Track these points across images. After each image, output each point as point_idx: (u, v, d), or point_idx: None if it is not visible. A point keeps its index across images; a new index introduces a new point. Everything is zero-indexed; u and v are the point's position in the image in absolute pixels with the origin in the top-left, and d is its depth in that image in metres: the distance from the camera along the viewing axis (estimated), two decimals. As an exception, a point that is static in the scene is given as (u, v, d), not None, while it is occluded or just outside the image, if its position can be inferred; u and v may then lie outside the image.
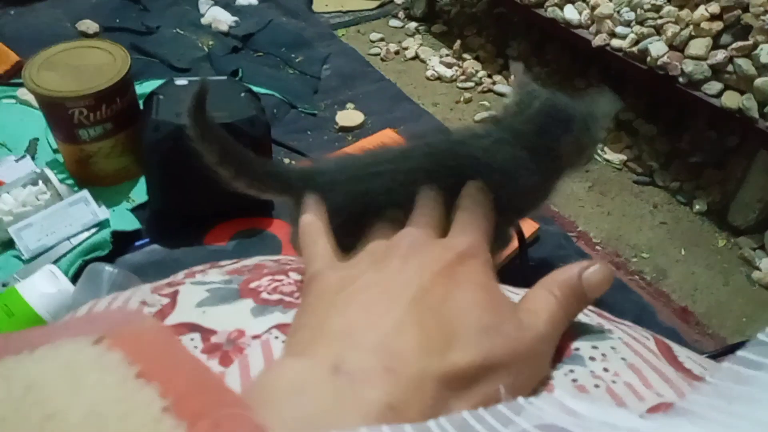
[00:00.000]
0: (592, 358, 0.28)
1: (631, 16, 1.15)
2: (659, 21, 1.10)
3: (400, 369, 0.23)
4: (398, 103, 1.29)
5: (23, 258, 0.84)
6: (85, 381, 0.19)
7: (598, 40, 1.18)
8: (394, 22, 1.67)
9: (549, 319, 0.28)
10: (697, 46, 1.04)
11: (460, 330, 0.25)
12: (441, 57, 1.52)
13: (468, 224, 0.32)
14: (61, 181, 0.92)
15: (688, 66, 1.04)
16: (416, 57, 1.53)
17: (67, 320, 0.38)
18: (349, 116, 1.22)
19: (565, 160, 0.62)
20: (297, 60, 1.39)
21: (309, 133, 1.19)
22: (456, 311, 0.26)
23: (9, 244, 0.86)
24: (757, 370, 0.22)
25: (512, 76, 0.64)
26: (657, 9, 1.11)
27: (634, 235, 1.10)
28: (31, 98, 1.09)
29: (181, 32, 1.42)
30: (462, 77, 1.45)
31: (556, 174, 0.63)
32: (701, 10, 1.05)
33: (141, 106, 0.91)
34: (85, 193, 0.89)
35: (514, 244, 0.85)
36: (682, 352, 0.30)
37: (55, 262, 0.82)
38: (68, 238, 0.86)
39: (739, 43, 1.00)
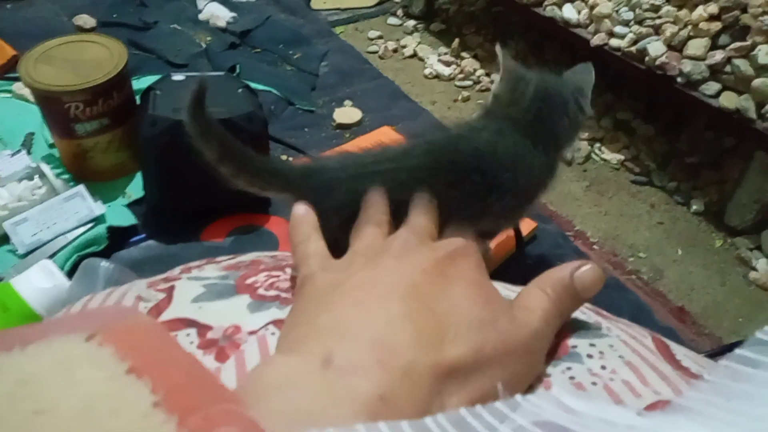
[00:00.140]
0: (589, 356, 0.28)
1: (630, 15, 1.15)
2: (658, 21, 1.10)
3: (392, 361, 0.23)
4: (396, 101, 1.29)
5: (18, 253, 0.84)
6: (77, 376, 0.19)
7: (596, 40, 1.18)
8: (392, 20, 1.66)
9: (542, 316, 0.28)
10: (696, 47, 1.04)
11: (452, 325, 0.26)
12: (439, 55, 1.52)
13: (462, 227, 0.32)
14: (57, 176, 0.92)
15: (687, 66, 1.04)
16: (414, 55, 1.53)
17: (59, 317, 0.38)
18: (347, 113, 1.22)
19: (563, 139, 0.63)
20: (295, 57, 1.39)
21: (306, 129, 1.19)
22: (448, 307, 0.26)
23: (4, 238, 0.85)
24: (756, 368, 0.21)
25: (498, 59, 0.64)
26: (656, 9, 1.11)
27: (631, 234, 1.10)
28: (27, 92, 1.08)
29: (179, 28, 1.41)
30: (460, 76, 1.45)
31: (557, 154, 0.64)
32: (700, 11, 1.05)
33: (138, 102, 0.91)
34: (81, 188, 0.89)
35: (512, 242, 0.85)
36: (679, 351, 0.30)
37: (51, 257, 0.82)
38: (64, 234, 0.86)
39: (738, 44, 1.01)
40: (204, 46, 1.37)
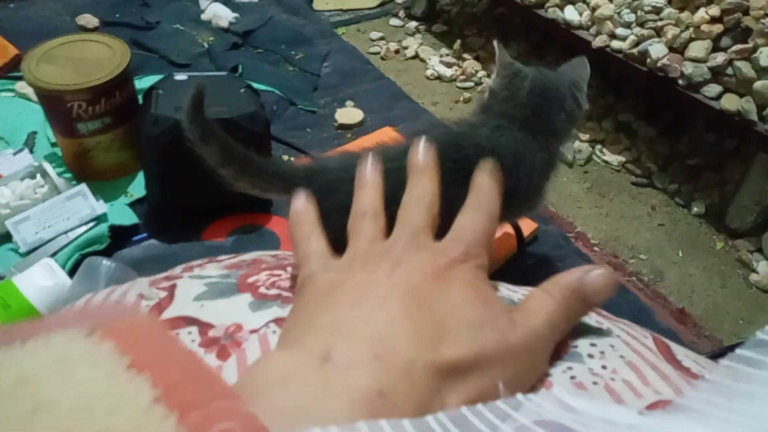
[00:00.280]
0: (590, 356, 0.28)
1: (632, 17, 1.15)
2: (659, 23, 1.10)
3: (391, 358, 0.23)
4: (398, 102, 1.29)
5: (20, 251, 0.84)
6: (76, 373, 0.19)
7: (598, 42, 1.18)
8: (394, 21, 1.67)
9: (545, 320, 0.28)
10: (697, 49, 1.05)
11: (451, 325, 0.26)
12: (441, 56, 1.52)
13: (468, 225, 0.31)
14: (59, 174, 0.92)
15: (688, 68, 1.04)
16: (416, 56, 1.53)
17: (59, 313, 0.38)
18: (349, 114, 1.22)
19: (561, 134, 0.64)
20: (297, 57, 1.39)
21: (308, 130, 1.19)
22: (447, 308, 0.26)
23: (6, 237, 0.85)
24: (757, 368, 0.22)
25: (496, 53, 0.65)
26: (657, 11, 1.12)
27: (632, 236, 1.10)
28: (29, 91, 1.08)
29: (181, 28, 1.42)
30: (462, 77, 1.45)
31: (556, 148, 0.64)
32: (701, 13, 1.05)
33: (140, 101, 0.91)
34: (83, 187, 0.89)
35: (513, 242, 0.85)
36: (680, 351, 0.30)
37: (53, 255, 0.82)
38: (65, 232, 0.86)
39: (739, 46, 1.01)
40: (206, 46, 1.37)
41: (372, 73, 1.38)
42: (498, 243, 0.82)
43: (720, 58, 1.02)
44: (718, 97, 1.03)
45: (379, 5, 1.72)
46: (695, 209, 1.15)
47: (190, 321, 0.32)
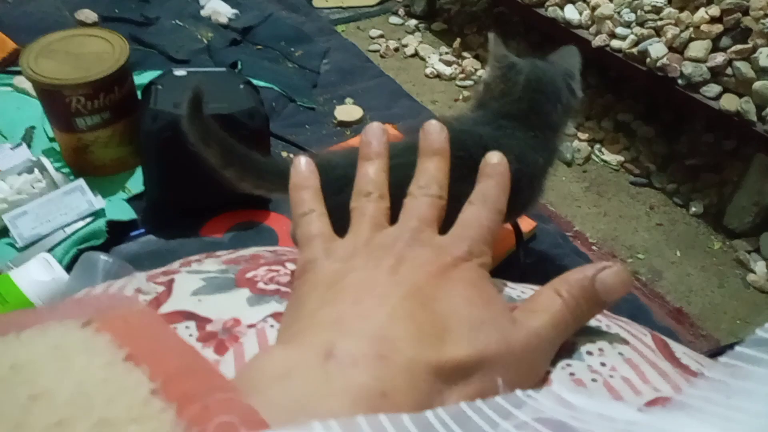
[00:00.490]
0: (589, 353, 0.28)
1: (632, 17, 1.15)
2: (659, 23, 1.10)
3: (393, 356, 0.23)
4: (397, 100, 1.29)
5: (17, 246, 0.84)
6: (73, 362, 0.19)
7: (598, 41, 1.18)
8: (394, 19, 1.66)
9: (550, 320, 0.27)
10: (697, 49, 1.05)
11: (452, 325, 0.25)
12: (440, 55, 1.52)
13: (472, 221, 0.31)
14: (57, 169, 0.92)
15: (688, 68, 1.04)
16: (416, 54, 1.53)
17: (55, 304, 0.37)
18: (348, 111, 1.22)
19: (559, 125, 0.64)
20: (296, 54, 1.39)
21: (307, 127, 1.18)
22: (449, 308, 0.26)
23: (3, 231, 0.85)
24: (757, 366, 0.21)
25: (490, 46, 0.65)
26: (657, 11, 1.12)
27: (630, 236, 1.10)
28: (28, 86, 1.08)
29: (181, 24, 1.41)
30: (461, 75, 1.45)
31: (555, 139, 0.64)
32: (701, 13, 1.05)
33: (139, 97, 0.91)
34: (81, 182, 0.89)
35: (512, 240, 0.85)
36: (678, 349, 0.30)
37: (50, 250, 0.82)
38: (63, 227, 0.86)
39: (739, 46, 1.01)
40: (206, 42, 1.36)
41: (371, 71, 1.38)
42: (497, 241, 0.82)
43: (719, 58, 1.02)
44: (718, 97, 1.03)
45: (379, 3, 1.72)
46: (693, 209, 1.15)
47: (187, 315, 0.32)
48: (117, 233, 0.88)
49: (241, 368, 0.27)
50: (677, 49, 1.08)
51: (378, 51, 1.53)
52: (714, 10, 1.04)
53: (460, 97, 1.40)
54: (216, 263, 0.39)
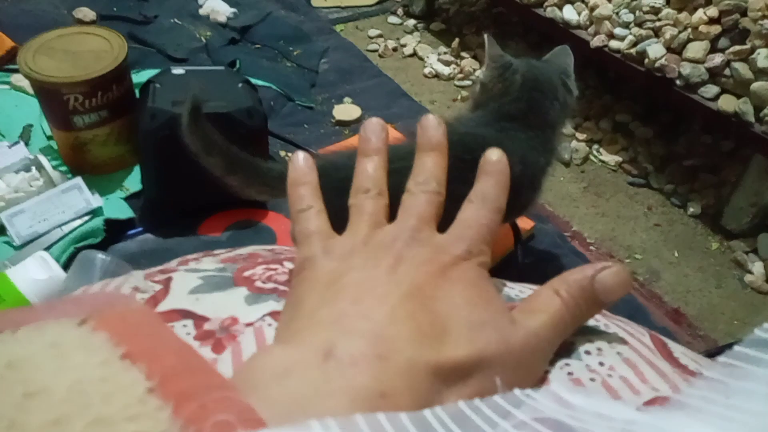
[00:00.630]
0: (587, 352, 0.28)
1: (630, 17, 1.15)
2: (658, 23, 1.10)
3: (392, 357, 0.23)
4: (396, 99, 1.29)
5: (14, 244, 0.83)
6: (69, 360, 0.19)
7: (596, 41, 1.18)
8: (392, 19, 1.66)
9: (548, 320, 0.27)
10: (695, 49, 1.05)
11: (452, 325, 0.25)
12: (439, 55, 1.52)
13: (472, 220, 0.30)
14: (55, 167, 0.91)
15: (686, 69, 1.04)
16: (414, 54, 1.53)
17: (52, 302, 0.37)
18: (346, 110, 1.22)
19: (557, 123, 0.65)
20: (295, 53, 1.39)
21: (306, 126, 1.18)
22: (448, 308, 0.26)
23: (0, 230, 0.85)
24: (756, 366, 0.21)
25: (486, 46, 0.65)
26: (656, 11, 1.12)
27: (628, 236, 1.10)
28: (25, 84, 1.08)
29: (179, 22, 1.41)
30: (460, 75, 1.45)
31: (554, 137, 0.65)
32: (700, 14, 1.05)
33: (137, 96, 0.91)
34: (78, 180, 0.89)
35: (510, 241, 0.85)
36: (677, 348, 0.30)
37: (47, 249, 0.82)
38: (60, 226, 0.85)
39: (737, 47, 1.01)
40: (204, 40, 1.36)
41: (370, 71, 1.38)
42: (495, 240, 0.82)
43: (718, 59, 1.02)
44: (716, 98, 1.03)
45: (378, 3, 1.71)
46: (691, 210, 1.15)
47: (185, 314, 0.32)
48: (114, 232, 0.88)
49: (240, 367, 0.27)
50: (675, 49, 1.08)
51: (376, 51, 1.53)
52: (712, 11, 1.04)
53: (459, 97, 1.40)
54: (214, 262, 0.39)
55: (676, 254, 1.07)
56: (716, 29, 1.04)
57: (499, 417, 0.20)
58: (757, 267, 1.04)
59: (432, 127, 0.33)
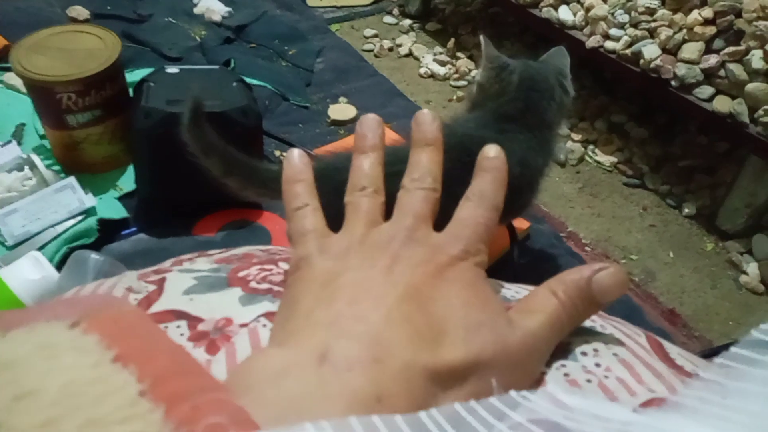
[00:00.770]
0: (584, 353, 0.28)
1: (625, 18, 1.15)
2: (653, 24, 1.11)
3: (388, 360, 0.23)
4: (391, 99, 1.29)
5: (7, 244, 0.83)
6: (61, 362, 0.19)
7: (591, 42, 1.18)
8: (388, 19, 1.66)
9: (546, 320, 0.27)
10: (690, 50, 1.05)
11: (449, 327, 0.25)
12: (435, 55, 1.52)
13: (469, 219, 0.30)
14: (48, 167, 0.91)
15: (681, 69, 1.05)
16: (410, 54, 1.53)
17: (42, 304, 0.37)
18: (342, 110, 1.22)
19: (554, 123, 0.65)
20: (290, 52, 1.38)
21: (301, 125, 1.18)
22: (445, 309, 0.26)
23: (-7, 229, 0.84)
24: (752, 366, 0.21)
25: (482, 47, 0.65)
26: (651, 12, 1.12)
27: (624, 237, 1.10)
28: (18, 83, 1.07)
29: (174, 21, 1.40)
30: (455, 75, 1.45)
31: (551, 137, 0.65)
32: (695, 15, 1.05)
33: (131, 95, 0.90)
34: (71, 179, 0.88)
35: (506, 241, 0.85)
36: (673, 349, 0.30)
37: (40, 248, 0.81)
38: (53, 225, 0.85)
39: (732, 48, 1.01)
40: (199, 39, 1.36)
41: (366, 70, 1.38)
42: (491, 240, 0.82)
43: (713, 59, 1.03)
44: (711, 99, 1.04)
45: (373, 2, 1.71)
46: (686, 210, 1.15)
47: (179, 315, 0.31)
48: (108, 232, 0.88)
49: (235, 368, 0.27)
50: (671, 50, 1.08)
51: (372, 50, 1.52)
52: (707, 12, 1.04)
53: (454, 97, 1.40)
54: (208, 262, 0.39)
55: (672, 255, 1.07)
56: (711, 30, 1.04)
57: (495, 419, 0.20)
58: (752, 268, 1.04)
59: (427, 123, 0.33)
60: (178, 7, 1.46)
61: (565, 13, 1.25)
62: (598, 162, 1.26)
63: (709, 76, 1.04)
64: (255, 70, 1.27)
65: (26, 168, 0.89)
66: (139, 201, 0.93)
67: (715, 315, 0.97)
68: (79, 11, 1.38)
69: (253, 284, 0.34)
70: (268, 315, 0.30)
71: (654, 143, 1.28)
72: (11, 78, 1.10)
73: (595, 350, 0.28)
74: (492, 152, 0.32)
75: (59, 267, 0.75)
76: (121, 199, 0.93)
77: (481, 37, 0.66)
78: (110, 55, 0.88)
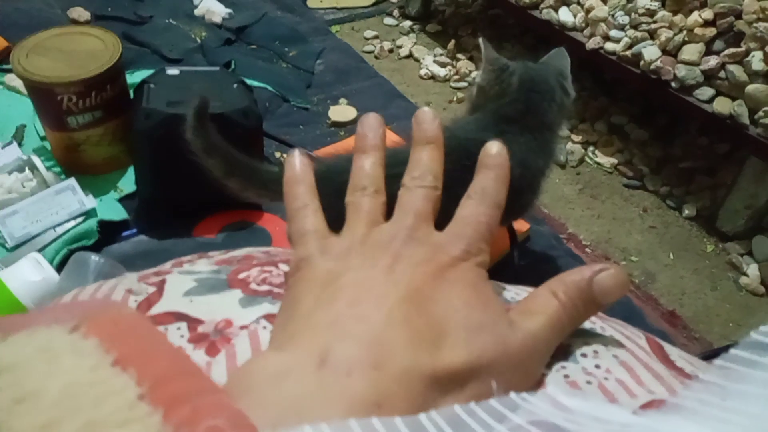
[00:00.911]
0: (584, 355, 0.28)
1: (626, 20, 1.15)
2: (653, 26, 1.11)
3: (388, 364, 0.23)
4: (392, 101, 1.29)
5: (7, 246, 0.83)
6: (60, 365, 0.19)
7: (592, 43, 1.18)
8: (388, 21, 1.66)
9: (546, 322, 0.27)
10: (690, 52, 1.05)
11: (449, 329, 0.25)
12: (435, 56, 1.52)
13: (471, 218, 0.30)
14: (48, 168, 0.91)
15: (681, 71, 1.05)
16: (410, 56, 1.53)
17: (42, 309, 0.37)
18: (342, 111, 1.22)
19: (555, 124, 0.65)
20: (291, 54, 1.38)
21: (301, 127, 1.18)
22: (445, 311, 0.26)
23: (-7, 231, 0.84)
24: (752, 368, 0.21)
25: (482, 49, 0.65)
26: (651, 14, 1.12)
27: (624, 238, 1.10)
28: (19, 84, 1.07)
29: (174, 23, 1.41)
30: (455, 77, 1.45)
31: (552, 138, 0.65)
32: (695, 16, 1.05)
33: (131, 96, 0.90)
34: (72, 181, 0.88)
35: (506, 242, 0.85)
36: (673, 351, 0.30)
37: (40, 250, 0.81)
38: (54, 227, 0.85)
39: (732, 50, 1.01)
40: (199, 41, 1.36)
41: (366, 72, 1.38)
42: (492, 241, 0.82)
43: (713, 61, 1.03)
44: (711, 101, 1.04)
45: (374, 4, 1.71)
46: (687, 212, 1.15)
47: (179, 316, 0.31)
48: (108, 233, 0.88)
49: (235, 371, 0.27)
50: (671, 52, 1.08)
51: (372, 52, 1.52)
52: (707, 14, 1.04)
53: (454, 98, 1.40)
54: (208, 264, 0.39)
55: (672, 256, 1.07)
56: (711, 32, 1.04)
57: (495, 421, 0.20)
58: (752, 269, 1.04)
59: (427, 121, 0.33)
60: (179, 8, 1.46)
61: (565, 15, 1.25)
62: (599, 163, 1.26)
63: (709, 77, 1.04)
64: (255, 71, 1.28)
65: (27, 169, 0.89)
66: (140, 202, 0.93)
67: (716, 316, 0.97)
68: (80, 13, 1.38)
69: (253, 286, 0.34)
70: (269, 317, 0.30)
71: (654, 145, 1.28)
72: (12, 79, 1.10)
73: (595, 352, 0.28)
74: (494, 149, 0.31)
75: (59, 268, 0.75)
76: (121, 200, 0.93)
77: (481, 40, 0.66)
78: (111, 56, 0.88)
